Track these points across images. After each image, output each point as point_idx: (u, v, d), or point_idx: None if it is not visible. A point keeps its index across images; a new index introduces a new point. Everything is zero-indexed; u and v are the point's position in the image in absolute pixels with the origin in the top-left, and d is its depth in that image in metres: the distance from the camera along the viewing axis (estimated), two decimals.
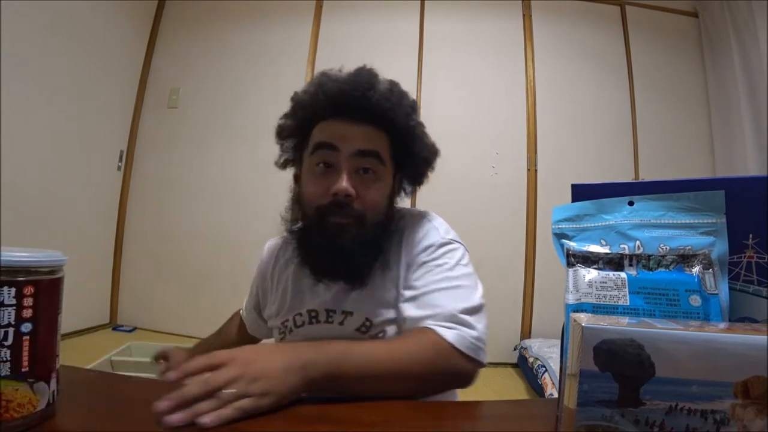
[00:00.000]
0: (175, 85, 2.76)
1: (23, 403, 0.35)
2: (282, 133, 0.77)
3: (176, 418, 0.38)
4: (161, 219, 2.68)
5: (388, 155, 0.69)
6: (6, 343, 0.34)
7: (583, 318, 0.33)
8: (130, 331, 2.51)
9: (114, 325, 2.58)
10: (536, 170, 2.55)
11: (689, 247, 0.42)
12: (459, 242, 0.71)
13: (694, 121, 2.67)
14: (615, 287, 0.41)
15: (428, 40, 2.65)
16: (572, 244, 0.46)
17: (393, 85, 0.71)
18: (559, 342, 0.45)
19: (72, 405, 0.41)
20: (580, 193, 0.50)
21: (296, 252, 0.71)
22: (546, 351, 1.99)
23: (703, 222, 0.42)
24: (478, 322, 0.59)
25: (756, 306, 0.42)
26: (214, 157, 2.67)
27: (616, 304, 0.40)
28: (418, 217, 0.74)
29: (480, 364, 0.58)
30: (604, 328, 0.31)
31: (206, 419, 0.38)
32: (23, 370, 0.35)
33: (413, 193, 0.79)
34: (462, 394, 0.70)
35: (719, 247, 0.41)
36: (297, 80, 2.63)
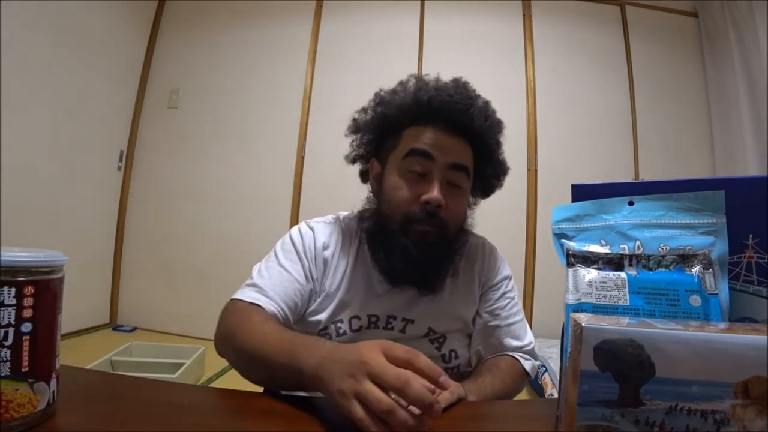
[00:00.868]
0: (175, 85, 2.76)
1: (23, 403, 0.35)
2: (359, 128, 0.77)
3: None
4: (161, 219, 2.68)
5: (472, 170, 0.71)
6: (6, 343, 0.34)
7: (583, 318, 0.33)
8: (130, 331, 2.51)
9: (114, 325, 2.58)
10: (536, 170, 2.55)
11: (689, 247, 0.41)
12: None
13: (694, 121, 2.67)
14: (615, 287, 0.41)
15: (428, 40, 2.65)
16: (572, 244, 0.46)
17: (488, 104, 0.72)
18: (559, 342, 0.45)
19: (72, 405, 0.41)
20: (580, 193, 0.50)
21: (369, 252, 0.71)
22: (546, 351, 1.99)
23: (703, 222, 0.42)
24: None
25: (756, 306, 0.42)
26: (214, 157, 2.67)
27: (616, 304, 0.40)
28: (482, 240, 0.81)
29: None
30: (605, 328, 0.31)
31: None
32: (23, 370, 0.35)
33: (476, 206, 0.81)
34: None
35: (719, 247, 0.41)
36: (297, 80, 2.63)
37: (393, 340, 0.66)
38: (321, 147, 2.52)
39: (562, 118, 2.61)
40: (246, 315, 0.60)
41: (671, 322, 0.34)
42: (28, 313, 0.35)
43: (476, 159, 0.72)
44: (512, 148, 2.76)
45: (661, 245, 0.42)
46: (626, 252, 0.43)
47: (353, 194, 0.82)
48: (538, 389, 1.87)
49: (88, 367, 1.53)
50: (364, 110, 0.77)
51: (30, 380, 0.35)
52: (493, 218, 2.46)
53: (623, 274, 0.42)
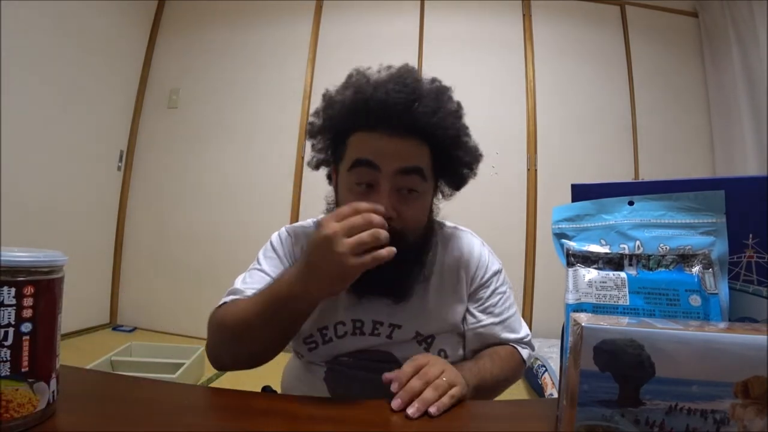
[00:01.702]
0: (175, 85, 2.76)
1: (23, 403, 0.35)
2: (313, 132, 0.71)
3: (412, 411, 0.46)
4: (161, 219, 2.68)
5: (430, 168, 0.65)
6: (6, 343, 0.34)
7: (583, 318, 0.33)
8: (130, 331, 2.51)
9: (114, 325, 2.58)
10: (536, 170, 2.55)
11: (689, 246, 0.41)
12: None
13: (694, 121, 2.67)
14: (615, 287, 0.41)
15: (428, 40, 2.65)
16: (572, 244, 0.46)
17: (439, 91, 0.65)
18: (559, 342, 0.45)
19: (72, 405, 0.41)
20: (580, 193, 0.49)
21: None
22: (546, 351, 1.99)
23: (703, 222, 0.42)
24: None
25: (756, 306, 0.42)
26: (214, 157, 2.67)
27: (616, 303, 0.40)
28: (467, 234, 0.78)
29: None
30: (605, 328, 0.31)
31: (432, 409, 0.46)
32: (23, 370, 0.35)
33: (451, 197, 0.75)
34: None
35: (719, 247, 0.41)
36: (297, 80, 2.63)
37: (379, 344, 0.67)
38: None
39: (562, 119, 2.61)
40: (228, 306, 0.64)
41: (671, 321, 0.34)
42: (28, 313, 0.35)
43: (435, 154, 0.65)
44: (512, 148, 2.78)
45: (661, 245, 0.42)
46: (626, 252, 0.43)
47: None
48: (538, 389, 1.87)
49: (88, 367, 1.53)
50: (317, 113, 0.71)
51: (30, 380, 0.35)
52: (494, 218, 2.47)
53: (623, 274, 0.42)
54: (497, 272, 0.75)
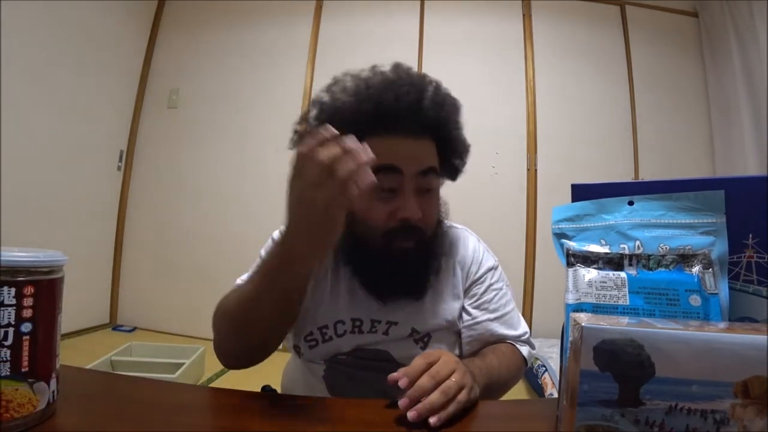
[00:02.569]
0: (175, 85, 2.76)
1: (23, 403, 0.35)
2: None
3: (412, 415, 0.43)
4: (161, 219, 2.68)
5: (438, 164, 0.66)
6: (6, 343, 0.34)
7: (583, 318, 0.33)
8: (130, 331, 2.51)
9: (114, 325, 2.58)
10: (536, 170, 2.55)
11: (689, 246, 0.41)
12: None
13: (694, 121, 2.67)
14: (615, 287, 0.41)
15: (428, 40, 2.65)
16: (572, 244, 0.45)
17: (438, 87, 0.66)
18: (559, 342, 0.45)
19: (72, 405, 0.41)
20: (580, 193, 0.49)
21: (351, 271, 0.68)
22: (546, 351, 1.99)
23: (703, 222, 0.42)
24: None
25: (756, 306, 0.42)
26: (214, 157, 2.67)
27: (616, 303, 0.40)
28: (463, 231, 0.78)
29: None
30: (605, 328, 0.31)
31: (433, 420, 0.44)
32: (23, 370, 0.35)
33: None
34: None
35: (719, 247, 0.41)
36: (297, 80, 2.63)
37: (376, 341, 0.67)
38: None
39: (562, 118, 2.61)
40: (227, 295, 0.64)
41: (671, 321, 0.34)
42: (28, 313, 0.35)
43: (440, 149, 0.66)
44: (512, 148, 2.77)
45: (661, 245, 0.42)
46: (626, 252, 0.43)
47: None
48: (538, 389, 1.87)
49: (88, 367, 1.53)
50: (304, 120, 0.69)
51: (30, 380, 0.35)
52: (493, 218, 2.47)
53: (623, 274, 0.42)
54: (492, 268, 0.74)
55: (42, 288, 0.36)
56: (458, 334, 0.71)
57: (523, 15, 2.69)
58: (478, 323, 0.70)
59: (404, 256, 0.63)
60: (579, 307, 0.41)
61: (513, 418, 0.49)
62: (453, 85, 0.69)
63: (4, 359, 0.33)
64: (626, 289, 0.41)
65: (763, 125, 2.31)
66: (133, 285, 2.66)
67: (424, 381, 0.47)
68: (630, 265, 0.42)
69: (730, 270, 0.43)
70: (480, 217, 2.52)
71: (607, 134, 2.62)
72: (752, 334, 0.29)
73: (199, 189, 2.66)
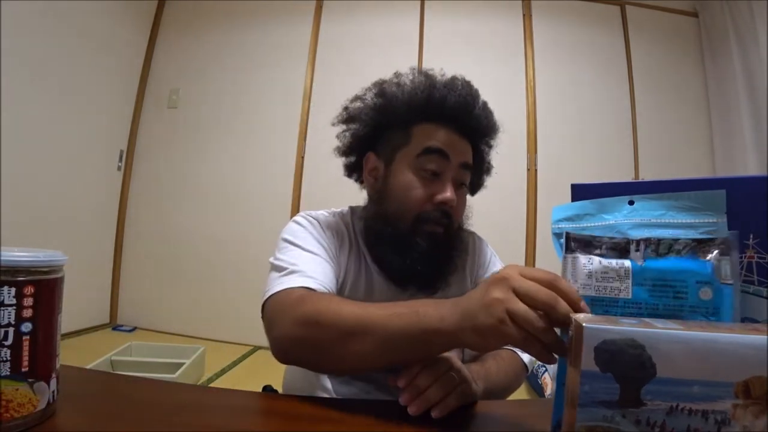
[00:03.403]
0: (175, 85, 2.76)
1: (23, 403, 0.35)
2: (353, 119, 0.74)
3: (413, 410, 0.45)
4: (161, 219, 2.68)
5: None
6: (6, 343, 0.34)
7: (584, 317, 0.33)
8: (130, 331, 2.51)
9: (114, 325, 2.58)
10: (536, 170, 2.55)
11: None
12: None
13: (694, 121, 2.67)
14: (617, 278, 0.39)
15: (428, 40, 2.65)
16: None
17: (485, 103, 0.72)
18: None
19: (72, 405, 0.41)
20: (580, 193, 0.49)
21: (372, 253, 0.69)
22: None
23: (704, 221, 0.42)
24: None
25: (756, 306, 0.42)
26: (214, 157, 2.67)
27: (616, 297, 0.38)
28: (472, 234, 0.80)
29: None
30: (606, 328, 0.31)
31: (434, 413, 0.45)
32: (23, 370, 0.35)
33: None
34: None
35: None
36: (297, 80, 2.63)
37: None
38: (321, 147, 2.52)
39: (562, 118, 2.61)
40: (322, 297, 0.55)
41: (672, 322, 0.34)
42: (28, 313, 0.35)
43: (475, 157, 0.72)
44: (512, 148, 2.77)
45: None
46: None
47: (353, 194, 0.82)
48: (538, 389, 1.87)
49: (88, 367, 1.53)
50: (358, 99, 0.74)
51: (30, 380, 0.35)
52: (493, 218, 2.47)
53: (627, 263, 0.39)
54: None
55: (42, 288, 0.36)
56: None
57: (523, 15, 2.69)
58: None
59: (431, 242, 0.65)
60: None
61: (513, 418, 0.49)
62: None
63: (4, 359, 0.33)
64: (629, 281, 0.38)
65: (763, 125, 2.31)
66: (133, 285, 2.66)
67: (423, 376, 0.47)
68: (637, 250, 0.39)
69: None
70: (480, 217, 2.52)
71: (607, 134, 2.62)
72: (753, 334, 0.29)
73: (199, 189, 2.66)
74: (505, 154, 2.63)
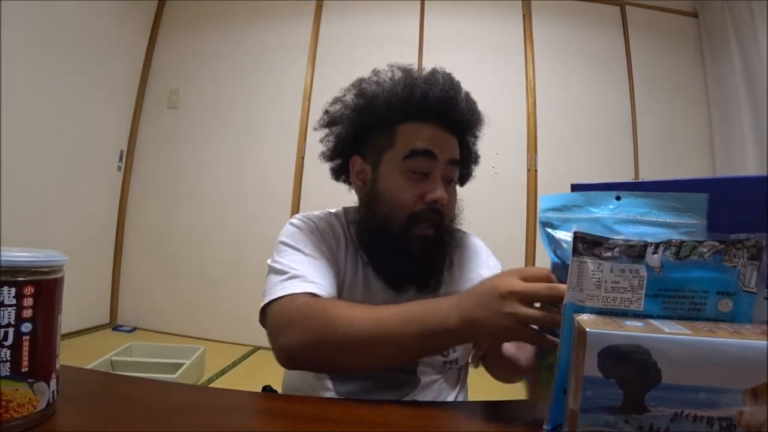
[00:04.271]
0: (175, 85, 2.76)
1: (23, 403, 0.34)
2: (334, 122, 0.73)
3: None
4: (161, 219, 2.67)
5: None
6: (6, 343, 0.33)
7: (587, 322, 0.33)
8: (130, 331, 2.51)
9: (114, 325, 2.58)
10: (536, 170, 2.55)
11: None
12: None
13: (694, 121, 2.67)
14: (629, 288, 0.35)
15: (428, 40, 2.65)
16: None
17: (468, 95, 0.71)
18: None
19: (72, 405, 0.41)
20: None
21: (366, 256, 0.68)
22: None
23: (684, 222, 0.41)
24: None
25: (756, 306, 0.42)
26: (214, 157, 2.67)
27: (626, 309, 0.35)
28: (468, 235, 0.80)
29: None
30: (610, 333, 0.30)
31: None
32: (23, 370, 0.34)
33: None
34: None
35: None
36: (297, 80, 2.63)
37: None
38: (321, 147, 2.51)
39: (562, 118, 2.61)
40: (329, 305, 0.54)
41: (679, 324, 0.32)
42: (28, 313, 0.35)
43: (461, 150, 0.72)
44: (512, 148, 2.78)
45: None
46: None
47: (353, 194, 0.82)
48: None
49: (88, 367, 1.53)
50: (338, 101, 0.73)
51: (30, 380, 0.35)
52: (494, 218, 2.47)
53: (643, 271, 0.35)
54: (496, 269, 0.75)
55: (42, 288, 0.36)
56: None
57: (523, 15, 2.69)
58: None
59: (423, 243, 0.64)
60: (580, 310, 0.36)
61: (513, 418, 0.49)
62: None
63: (4, 359, 0.33)
64: (642, 292, 0.35)
65: (763, 125, 2.31)
66: (133, 285, 2.66)
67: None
68: (654, 253, 0.35)
69: None
70: (480, 217, 2.52)
71: (607, 134, 2.62)
72: (761, 339, 0.29)
73: (199, 189, 2.66)
74: (505, 154, 2.66)
